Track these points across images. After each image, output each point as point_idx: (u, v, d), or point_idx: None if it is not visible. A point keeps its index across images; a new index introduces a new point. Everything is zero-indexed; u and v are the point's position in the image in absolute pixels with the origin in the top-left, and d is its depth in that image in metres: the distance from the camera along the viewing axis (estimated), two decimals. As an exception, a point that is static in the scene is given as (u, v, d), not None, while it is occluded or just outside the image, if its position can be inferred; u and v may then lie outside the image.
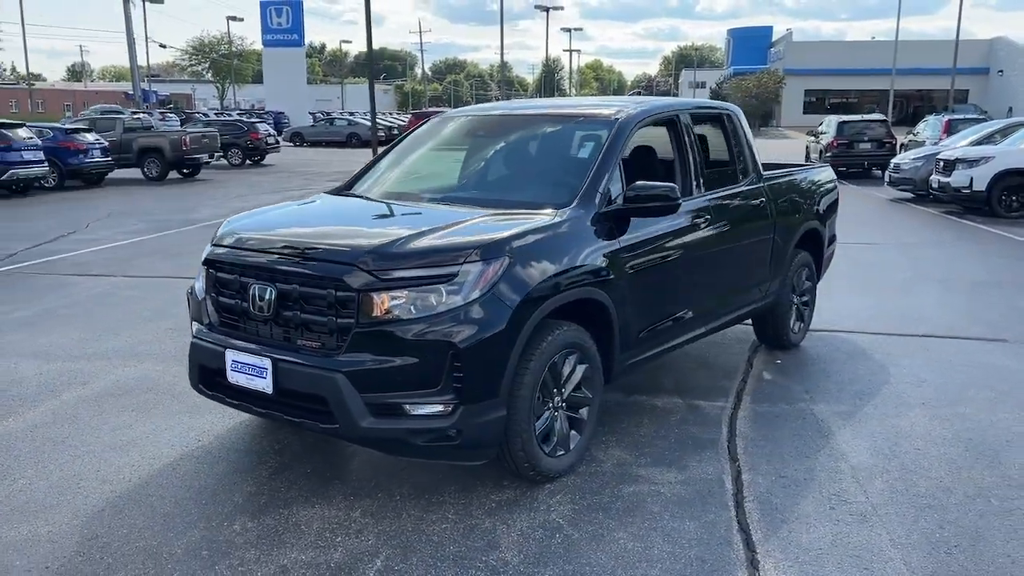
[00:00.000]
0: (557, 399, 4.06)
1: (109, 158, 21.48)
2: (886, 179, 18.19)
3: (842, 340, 6.72)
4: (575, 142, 4.74)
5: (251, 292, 3.83)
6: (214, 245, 4.14)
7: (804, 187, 6.43)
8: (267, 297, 3.76)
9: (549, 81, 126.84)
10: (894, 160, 18.48)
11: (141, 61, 48.64)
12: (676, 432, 4.74)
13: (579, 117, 4.97)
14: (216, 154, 25.08)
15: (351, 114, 46.92)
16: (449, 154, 5.19)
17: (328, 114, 48.30)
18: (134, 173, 23.28)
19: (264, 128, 29.39)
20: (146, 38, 48.09)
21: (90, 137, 21.22)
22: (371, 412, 3.54)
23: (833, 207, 6.99)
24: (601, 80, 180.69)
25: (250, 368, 3.77)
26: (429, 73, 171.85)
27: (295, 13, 53.57)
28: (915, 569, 3.32)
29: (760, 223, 5.67)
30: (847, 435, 4.70)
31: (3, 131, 18.46)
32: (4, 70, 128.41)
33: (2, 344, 6.47)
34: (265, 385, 3.73)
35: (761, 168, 5.91)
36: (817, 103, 57.18)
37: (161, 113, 41.74)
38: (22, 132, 19.20)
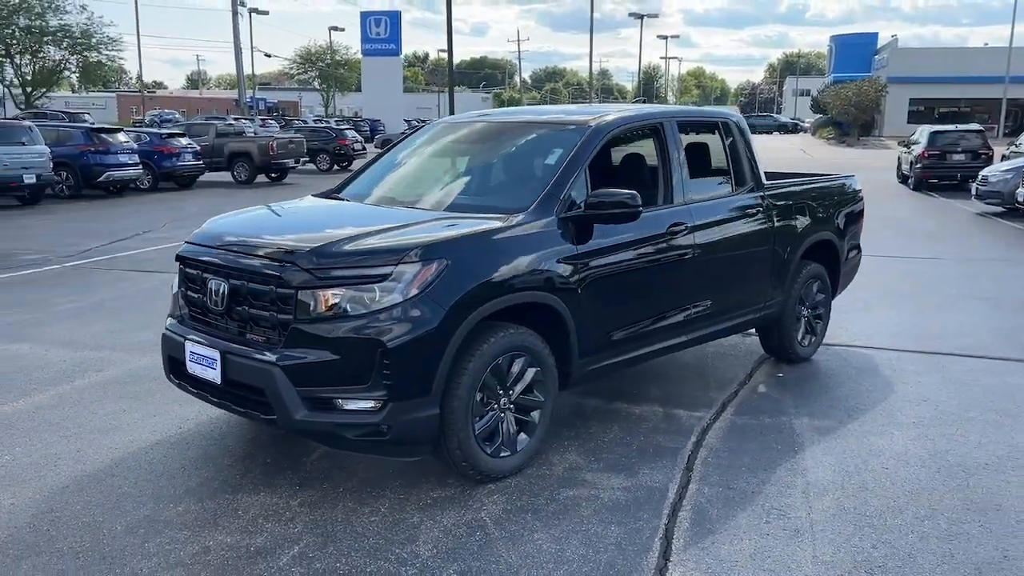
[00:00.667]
0: (504, 400, 4.13)
1: (200, 162, 22.59)
2: (973, 192, 17.34)
3: (859, 355, 6.52)
4: (547, 149, 4.79)
5: (209, 287, 4.06)
6: (186, 242, 4.39)
7: (814, 197, 6.27)
8: (221, 292, 3.98)
9: (648, 89, 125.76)
10: (982, 172, 17.59)
11: (247, 70, 50.66)
12: (641, 440, 4.72)
13: (556, 124, 5.02)
14: (303, 159, 26.00)
15: (418, 122, 47.79)
16: (434, 158, 5.31)
17: (422, 122, 49.30)
18: (225, 176, 24.39)
19: (352, 135, 30.31)
20: (251, 48, 50.21)
21: (183, 141, 22.36)
22: (306, 405, 3.69)
23: (854, 218, 6.79)
24: (703, 87, 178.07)
25: (203, 359, 4.00)
26: (528, 81, 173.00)
27: (393, 23, 54.91)
28: (824, 587, 3.25)
29: (755, 232, 5.58)
30: (817, 451, 4.59)
31: (102, 136, 19.67)
32: (130, 78, 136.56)
33: (45, 332, 6.96)
34: (214, 376, 3.94)
35: (763, 177, 5.81)
36: (924, 112, 54.78)
37: (262, 120, 43.48)
38: (120, 136, 20.41)
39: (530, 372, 4.21)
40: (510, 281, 4.01)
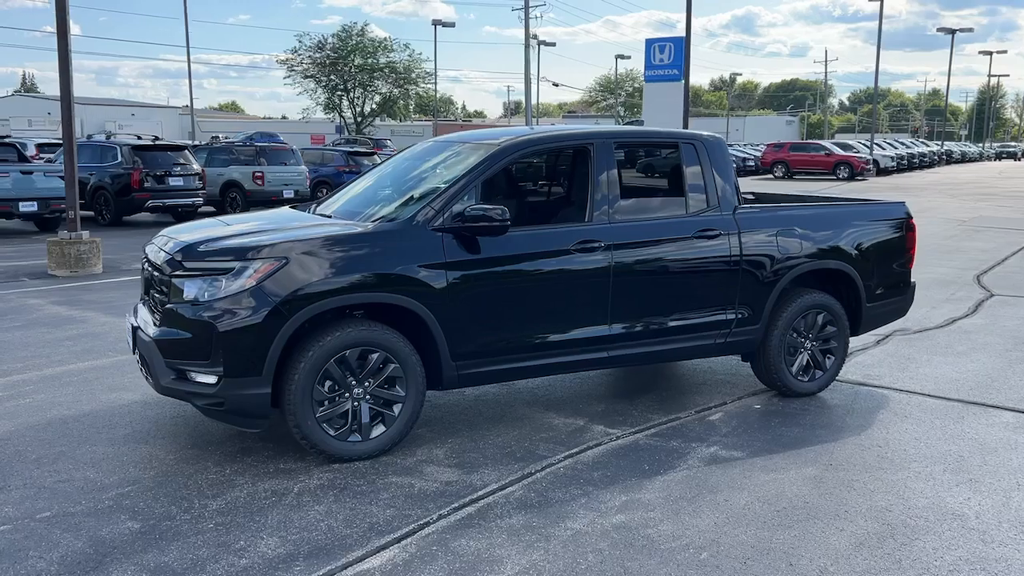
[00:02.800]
0: (358, 391, 4.58)
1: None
2: None
3: (879, 397, 5.98)
4: (456, 166, 5.13)
5: (144, 273, 5.00)
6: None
7: (815, 223, 5.86)
8: (145, 278, 4.90)
9: (981, 109, 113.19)
10: None
11: (531, 97, 53.64)
12: (524, 446, 4.89)
13: (475, 145, 5.31)
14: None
15: None
16: (388, 173, 5.81)
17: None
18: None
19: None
20: (538, 77, 53.27)
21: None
22: (171, 374, 4.46)
23: (890, 249, 6.20)
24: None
25: (129, 331, 4.93)
26: (846, 102, 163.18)
27: (677, 49, 54.93)
28: (494, 585, 3.36)
29: (710, 256, 5.43)
30: (676, 476, 4.48)
31: (357, 158, 22.38)
32: (456, 108, 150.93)
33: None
34: (131, 345, 4.85)
35: (734, 199, 5.61)
36: None
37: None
38: (376, 159, 23.05)
39: (389, 368, 4.61)
40: (352, 281, 4.47)
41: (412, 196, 5.08)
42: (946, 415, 5.56)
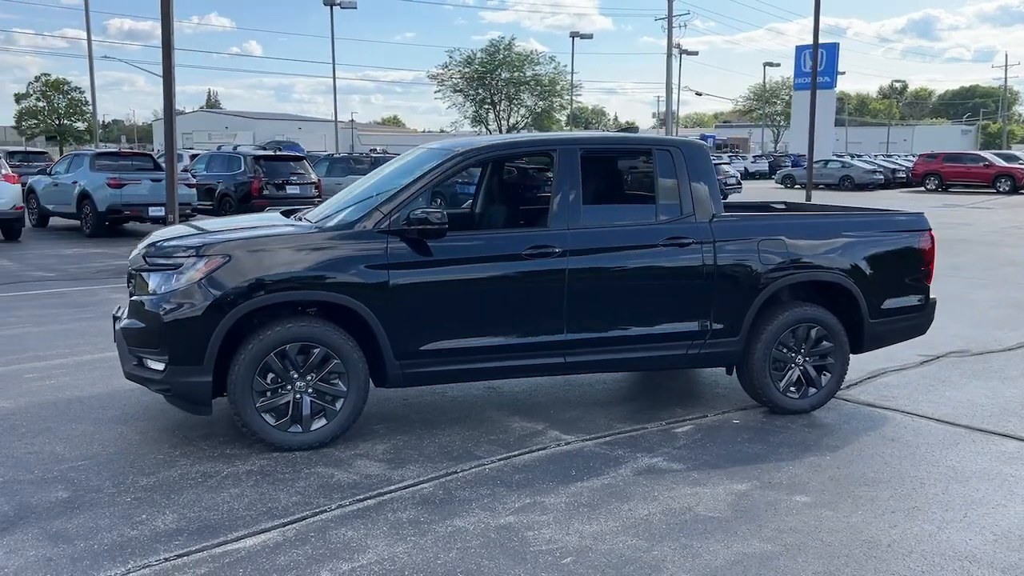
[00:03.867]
0: (300, 384, 4.80)
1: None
2: None
3: (877, 419, 5.63)
4: (416, 171, 5.27)
5: (130, 269, 5.46)
6: (154, 237, 5.82)
7: (808, 233, 5.59)
8: (127, 272, 5.35)
9: None
10: None
11: (671, 106, 52.96)
12: (463, 447, 4.96)
13: (443, 150, 5.43)
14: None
15: (850, 156, 44.76)
16: (373, 178, 6.00)
17: (848, 156, 46.82)
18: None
19: (725, 169, 30.50)
20: (679, 87, 52.52)
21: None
22: (133, 361, 4.85)
23: (899, 263, 5.82)
24: None
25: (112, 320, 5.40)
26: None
27: (830, 56, 52.67)
28: None
29: (679, 264, 5.30)
30: (594, 484, 4.43)
31: (471, 169, 22.92)
32: (608, 119, 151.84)
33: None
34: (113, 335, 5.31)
35: (713, 207, 5.44)
36: None
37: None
38: (493, 169, 23.55)
39: (331, 363, 4.81)
40: (291, 279, 4.69)
41: (369, 200, 5.26)
42: (940, 441, 5.17)
